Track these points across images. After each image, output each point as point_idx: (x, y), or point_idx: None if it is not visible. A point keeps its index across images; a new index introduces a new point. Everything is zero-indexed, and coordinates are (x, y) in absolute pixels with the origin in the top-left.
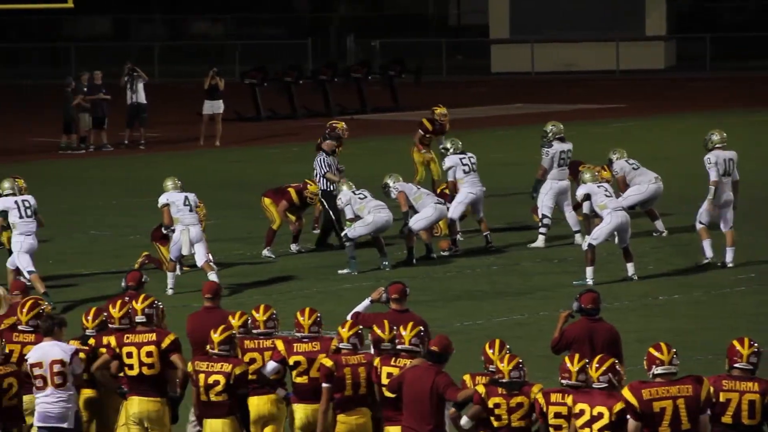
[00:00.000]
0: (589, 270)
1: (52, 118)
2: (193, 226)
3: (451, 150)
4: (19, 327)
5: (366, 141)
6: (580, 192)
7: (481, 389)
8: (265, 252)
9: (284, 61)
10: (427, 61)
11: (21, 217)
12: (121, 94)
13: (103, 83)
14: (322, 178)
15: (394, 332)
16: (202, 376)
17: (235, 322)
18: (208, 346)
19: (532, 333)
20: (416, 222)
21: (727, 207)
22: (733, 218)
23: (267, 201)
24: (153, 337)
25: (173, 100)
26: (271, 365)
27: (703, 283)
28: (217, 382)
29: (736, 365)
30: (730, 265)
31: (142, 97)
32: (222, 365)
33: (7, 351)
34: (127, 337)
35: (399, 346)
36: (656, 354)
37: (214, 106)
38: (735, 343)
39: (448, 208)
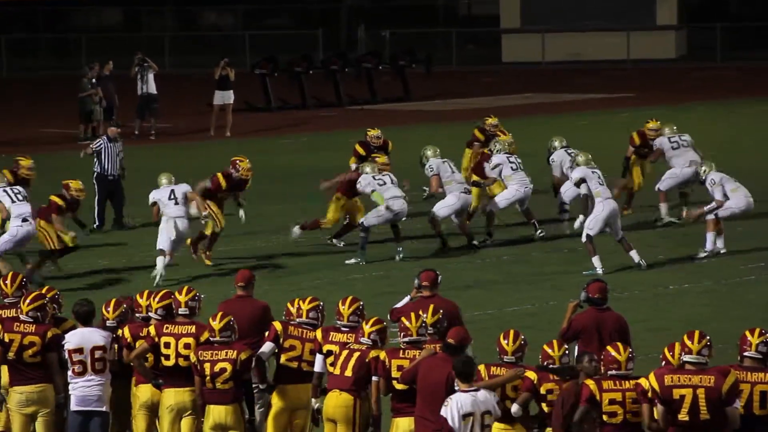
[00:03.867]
0: (595, 259)
1: (65, 109)
2: (180, 219)
3: (498, 147)
4: (21, 317)
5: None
6: (575, 175)
7: (533, 376)
8: (334, 241)
9: (294, 51)
10: (438, 51)
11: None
12: (131, 84)
13: (111, 74)
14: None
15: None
16: (207, 365)
17: (293, 308)
18: (208, 334)
19: (542, 323)
20: (440, 209)
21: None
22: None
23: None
24: (192, 329)
25: (184, 91)
26: (268, 346)
27: (713, 272)
28: (224, 370)
29: (746, 354)
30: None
31: (152, 88)
32: (227, 352)
33: (7, 340)
34: (167, 328)
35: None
36: (687, 342)
37: (225, 97)
38: (746, 332)
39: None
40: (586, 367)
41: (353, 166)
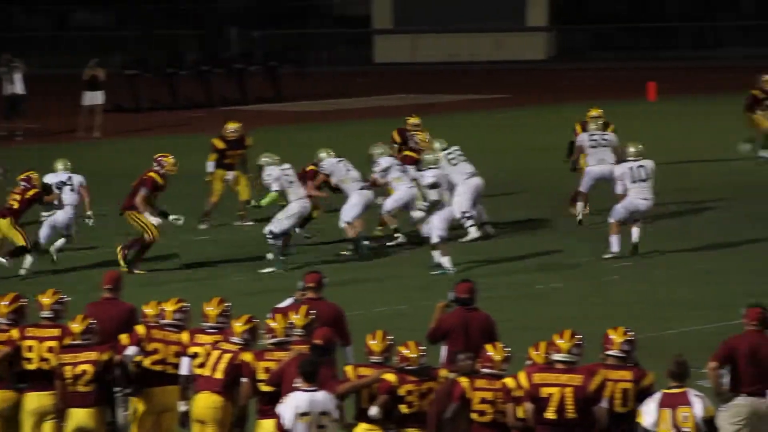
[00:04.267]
0: (445, 260)
1: None
2: (60, 210)
3: (379, 151)
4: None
5: (250, 133)
6: (429, 180)
7: (391, 378)
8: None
9: (166, 52)
10: (310, 52)
11: None
12: None
13: None
14: None
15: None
16: (68, 368)
17: (150, 310)
18: (68, 338)
19: (411, 323)
20: (347, 213)
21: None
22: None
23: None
24: (57, 332)
25: (54, 91)
26: (131, 350)
27: (580, 271)
28: (85, 372)
29: (609, 353)
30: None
31: (19, 88)
32: (87, 354)
33: None
34: (29, 331)
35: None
36: (557, 340)
37: (94, 97)
38: (610, 331)
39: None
40: (462, 365)
41: (210, 163)
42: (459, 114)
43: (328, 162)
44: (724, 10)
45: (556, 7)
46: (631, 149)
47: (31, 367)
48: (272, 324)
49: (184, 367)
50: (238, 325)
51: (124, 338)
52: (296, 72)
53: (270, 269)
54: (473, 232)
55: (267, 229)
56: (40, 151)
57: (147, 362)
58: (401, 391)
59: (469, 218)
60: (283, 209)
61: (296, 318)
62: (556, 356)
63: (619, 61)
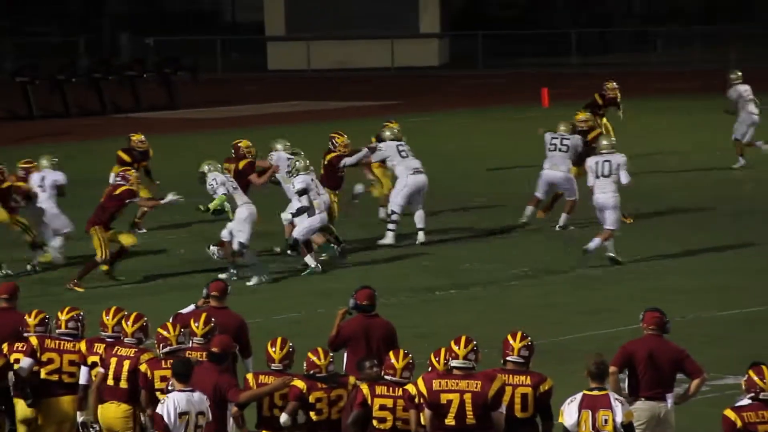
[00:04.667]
0: (308, 258)
1: None
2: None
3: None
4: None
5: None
6: (298, 186)
7: (301, 384)
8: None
9: (57, 58)
10: (203, 59)
11: None
12: None
13: None
14: None
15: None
16: None
17: (31, 321)
18: None
19: (309, 330)
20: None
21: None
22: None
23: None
24: None
25: None
26: (26, 362)
27: (479, 278)
28: None
29: (509, 358)
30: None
31: None
32: None
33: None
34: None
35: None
36: (453, 347)
37: None
38: (509, 336)
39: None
40: (368, 373)
41: (112, 175)
42: (351, 120)
43: (278, 155)
44: (613, 17)
45: (449, 14)
46: (603, 142)
47: None
48: (165, 333)
49: (83, 376)
50: (129, 326)
51: (17, 347)
52: (190, 79)
53: (255, 280)
54: (389, 238)
55: (236, 243)
56: None
57: (43, 373)
58: (311, 398)
59: (392, 222)
60: (234, 219)
61: (196, 326)
62: (454, 363)
63: (513, 68)
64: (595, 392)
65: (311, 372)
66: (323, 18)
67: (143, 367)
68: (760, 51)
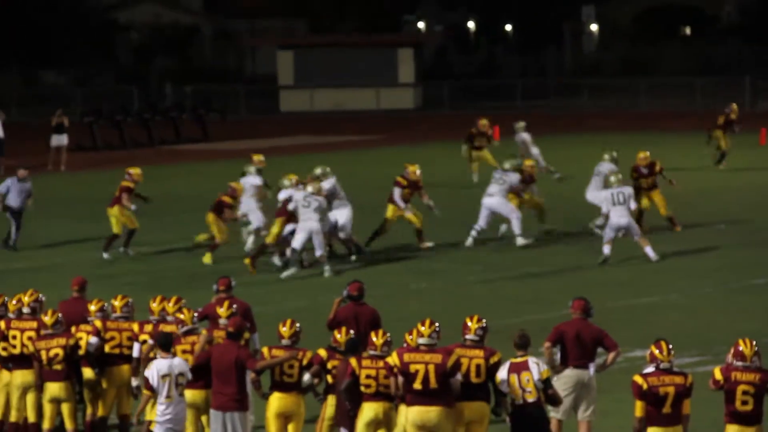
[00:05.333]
0: (291, 270)
1: None
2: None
3: (287, 184)
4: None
5: (182, 165)
6: (281, 197)
7: (323, 353)
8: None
9: (115, 103)
10: (230, 103)
11: None
12: None
13: None
14: None
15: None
16: (44, 352)
17: (93, 308)
18: (42, 330)
19: (314, 316)
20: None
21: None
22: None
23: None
24: (34, 324)
25: (28, 135)
26: (93, 339)
27: (444, 274)
28: (57, 354)
29: (467, 336)
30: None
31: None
32: (58, 340)
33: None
34: (14, 323)
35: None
36: (420, 328)
37: (60, 139)
38: (467, 319)
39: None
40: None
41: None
42: (344, 151)
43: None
44: (548, 71)
45: (422, 67)
46: (612, 178)
47: (16, 352)
48: (181, 317)
49: (136, 350)
50: (170, 306)
51: (85, 328)
52: (219, 118)
53: (290, 271)
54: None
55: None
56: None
57: (107, 348)
58: (329, 365)
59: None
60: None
61: (221, 311)
62: (421, 340)
63: (473, 110)
64: (519, 359)
65: (333, 345)
66: (324, 70)
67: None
68: (666, 96)
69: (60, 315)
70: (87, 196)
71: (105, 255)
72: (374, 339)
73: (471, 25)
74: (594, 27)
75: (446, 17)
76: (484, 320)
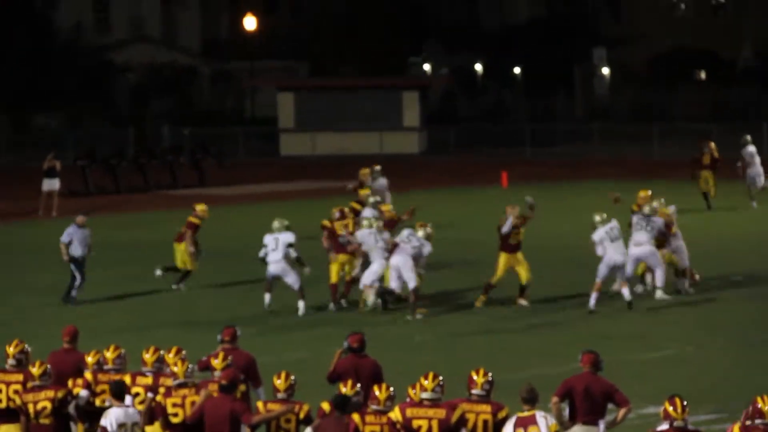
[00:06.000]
0: (300, 303)
1: None
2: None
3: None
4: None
5: (178, 212)
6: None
7: (326, 407)
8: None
9: (109, 146)
10: (228, 147)
11: None
12: None
13: None
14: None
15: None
16: (30, 405)
17: (90, 359)
18: (29, 383)
19: (314, 367)
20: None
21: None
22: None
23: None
24: (20, 377)
25: (19, 180)
26: (84, 392)
27: (446, 325)
28: (44, 407)
29: (473, 391)
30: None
31: None
32: (45, 392)
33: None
34: None
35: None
36: (423, 382)
37: (52, 184)
38: (472, 373)
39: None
40: (354, 402)
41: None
42: (347, 196)
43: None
44: (558, 115)
45: (427, 111)
46: (597, 218)
47: (1, 406)
48: (174, 369)
49: (128, 403)
50: (169, 358)
51: (78, 382)
52: (217, 163)
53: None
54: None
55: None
56: (6, 228)
57: (98, 401)
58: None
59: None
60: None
61: (216, 362)
62: (424, 395)
63: (478, 155)
64: (526, 413)
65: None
66: (325, 113)
67: (159, 398)
68: (679, 143)
69: (48, 366)
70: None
71: (180, 287)
72: (377, 393)
73: (478, 67)
74: (605, 70)
75: (452, 59)
76: (490, 374)
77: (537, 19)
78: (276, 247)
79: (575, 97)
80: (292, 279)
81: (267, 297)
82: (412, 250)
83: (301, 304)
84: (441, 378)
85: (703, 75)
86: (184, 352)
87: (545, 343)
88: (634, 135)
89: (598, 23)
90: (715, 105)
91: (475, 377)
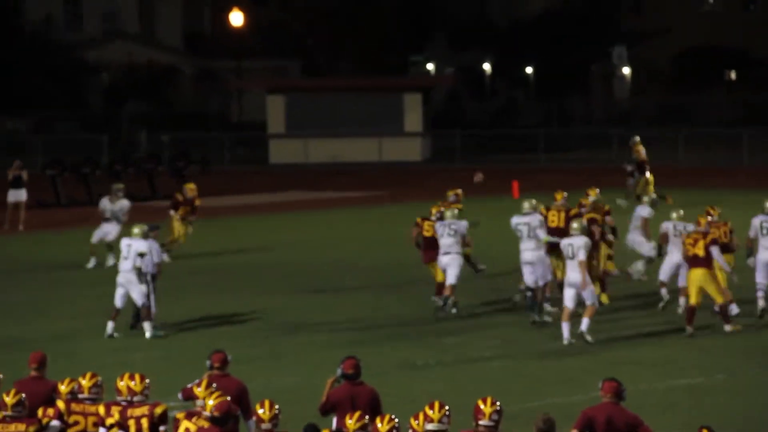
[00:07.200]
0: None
1: None
2: None
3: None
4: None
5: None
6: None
7: None
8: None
9: (81, 153)
10: (212, 154)
11: None
12: None
13: None
14: None
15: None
16: None
17: (63, 388)
18: (1, 413)
19: (306, 396)
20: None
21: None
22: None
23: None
24: None
25: None
26: (54, 423)
27: (455, 349)
28: None
29: (480, 422)
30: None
31: None
32: (17, 425)
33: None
34: None
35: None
36: (428, 412)
37: (18, 195)
38: (479, 402)
39: None
40: None
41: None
42: (342, 209)
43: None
44: (575, 119)
45: (430, 115)
46: (574, 225)
47: None
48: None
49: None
50: (134, 385)
51: (48, 412)
52: (200, 171)
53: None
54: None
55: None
56: None
57: None
58: None
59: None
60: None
61: (199, 391)
62: (429, 426)
63: (487, 163)
64: None
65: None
66: (320, 118)
67: (179, 415)
68: (708, 149)
69: (23, 396)
70: (48, 259)
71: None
72: (379, 426)
73: (486, 67)
74: (626, 70)
75: (458, 58)
76: (498, 403)
77: (551, 13)
78: (128, 255)
79: (593, 99)
80: (136, 293)
81: (110, 325)
82: (454, 241)
83: (146, 326)
84: (447, 408)
85: (733, 75)
86: (147, 381)
87: (563, 370)
88: (657, 140)
89: (617, 18)
90: (747, 108)
91: (482, 407)
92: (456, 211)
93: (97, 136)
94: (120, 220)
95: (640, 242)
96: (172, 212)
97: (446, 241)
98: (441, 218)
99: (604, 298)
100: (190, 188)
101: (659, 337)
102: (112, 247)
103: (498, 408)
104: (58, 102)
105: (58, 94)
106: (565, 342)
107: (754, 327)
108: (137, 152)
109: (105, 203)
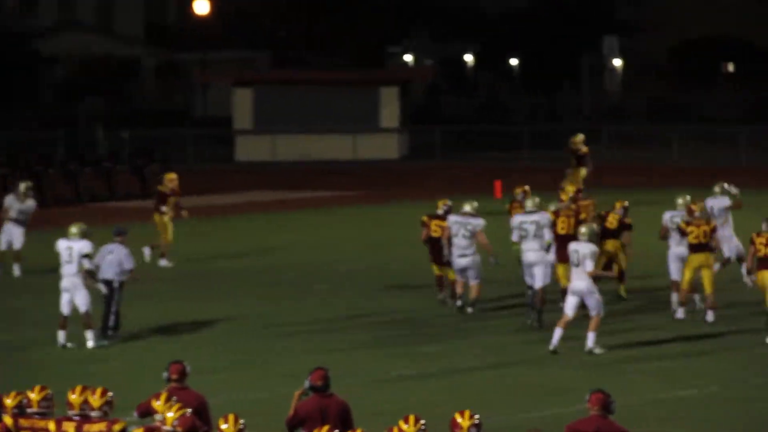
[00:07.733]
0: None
1: None
2: None
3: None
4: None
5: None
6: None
7: None
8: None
9: (33, 151)
10: (175, 151)
11: None
12: None
13: None
14: None
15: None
16: None
17: (9, 402)
18: None
19: (271, 410)
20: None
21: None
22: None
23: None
24: None
25: None
26: None
27: (434, 358)
28: None
29: None
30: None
31: None
32: None
33: None
34: None
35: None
36: (403, 426)
37: None
38: (456, 416)
39: None
40: None
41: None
42: (314, 210)
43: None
44: (563, 114)
45: (409, 110)
46: (582, 230)
47: None
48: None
49: None
50: (95, 399)
51: None
52: (161, 170)
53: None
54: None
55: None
56: None
57: None
58: None
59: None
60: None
61: (158, 405)
62: None
63: (468, 160)
64: None
65: None
66: (290, 113)
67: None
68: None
69: None
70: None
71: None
72: None
73: (469, 58)
74: (618, 62)
75: (439, 49)
76: (477, 416)
77: (538, 1)
78: (70, 258)
79: (582, 93)
80: (81, 299)
81: (61, 335)
82: (469, 243)
83: (88, 335)
84: (423, 422)
85: (731, 68)
86: (110, 394)
87: (552, 380)
88: (650, 138)
89: (610, 6)
90: (750, 104)
91: (459, 420)
92: (476, 204)
93: (51, 133)
94: (26, 222)
95: (728, 237)
96: (163, 208)
97: (461, 243)
98: (449, 211)
99: (622, 291)
100: (170, 178)
101: (655, 346)
102: (19, 257)
103: (476, 422)
104: (10, 96)
105: (9, 88)
106: (551, 348)
107: (756, 334)
108: (95, 150)
109: (11, 201)
